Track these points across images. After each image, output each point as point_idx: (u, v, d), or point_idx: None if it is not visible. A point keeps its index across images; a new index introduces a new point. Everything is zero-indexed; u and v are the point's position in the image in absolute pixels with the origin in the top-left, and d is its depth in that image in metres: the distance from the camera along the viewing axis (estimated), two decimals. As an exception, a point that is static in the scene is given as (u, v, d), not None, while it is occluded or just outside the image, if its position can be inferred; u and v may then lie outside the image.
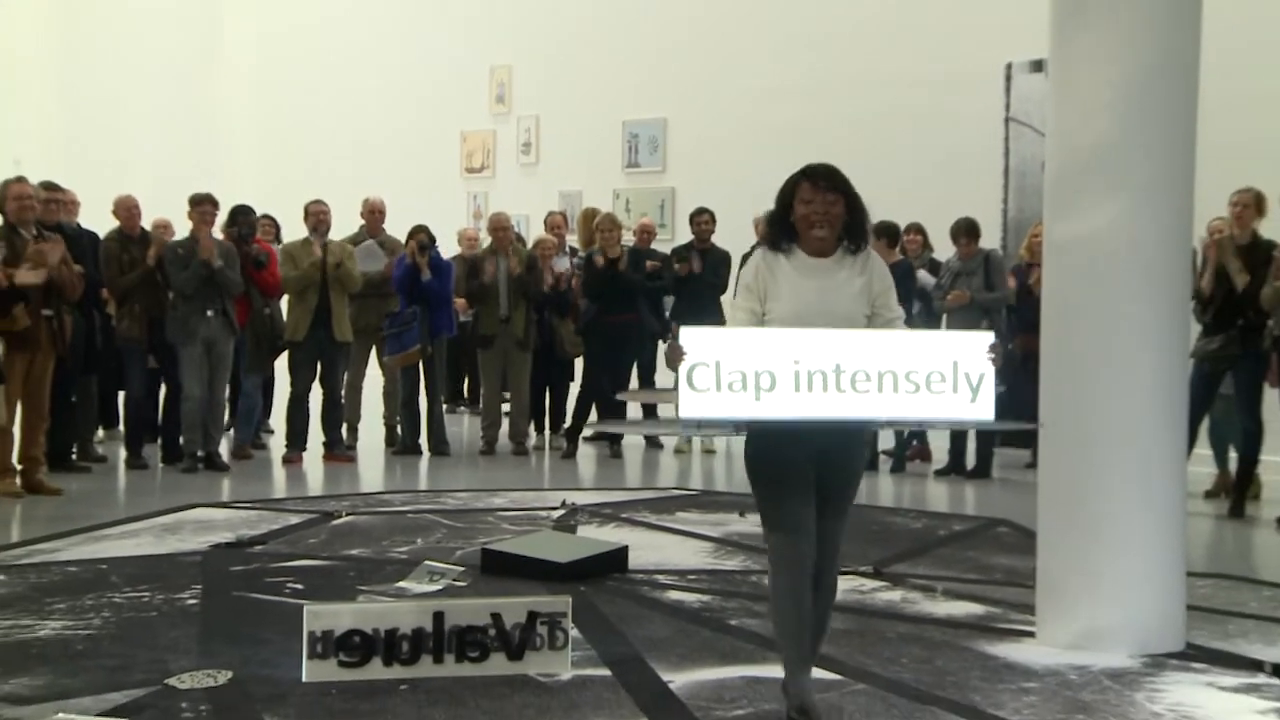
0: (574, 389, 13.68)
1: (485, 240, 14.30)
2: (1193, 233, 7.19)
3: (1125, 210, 6.52)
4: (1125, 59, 6.52)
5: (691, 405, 4.89)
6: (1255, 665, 6.44)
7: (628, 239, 13.75)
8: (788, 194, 5.37)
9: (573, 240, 14.93)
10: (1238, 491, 10.50)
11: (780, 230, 5.36)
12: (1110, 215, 6.54)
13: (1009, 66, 13.67)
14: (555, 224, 14.44)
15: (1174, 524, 6.78)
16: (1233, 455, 10.77)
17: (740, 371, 4.87)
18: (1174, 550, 6.75)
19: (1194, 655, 6.58)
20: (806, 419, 4.97)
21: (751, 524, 9.70)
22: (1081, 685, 6.06)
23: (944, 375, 4.94)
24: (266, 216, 13.53)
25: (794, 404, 4.89)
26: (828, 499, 5.24)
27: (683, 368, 4.86)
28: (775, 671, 6.23)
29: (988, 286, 11.72)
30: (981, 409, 4.99)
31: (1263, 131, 11.23)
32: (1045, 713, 5.61)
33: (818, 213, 5.23)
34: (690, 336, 4.92)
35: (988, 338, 5.12)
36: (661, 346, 13.57)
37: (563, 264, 13.53)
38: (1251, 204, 10.29)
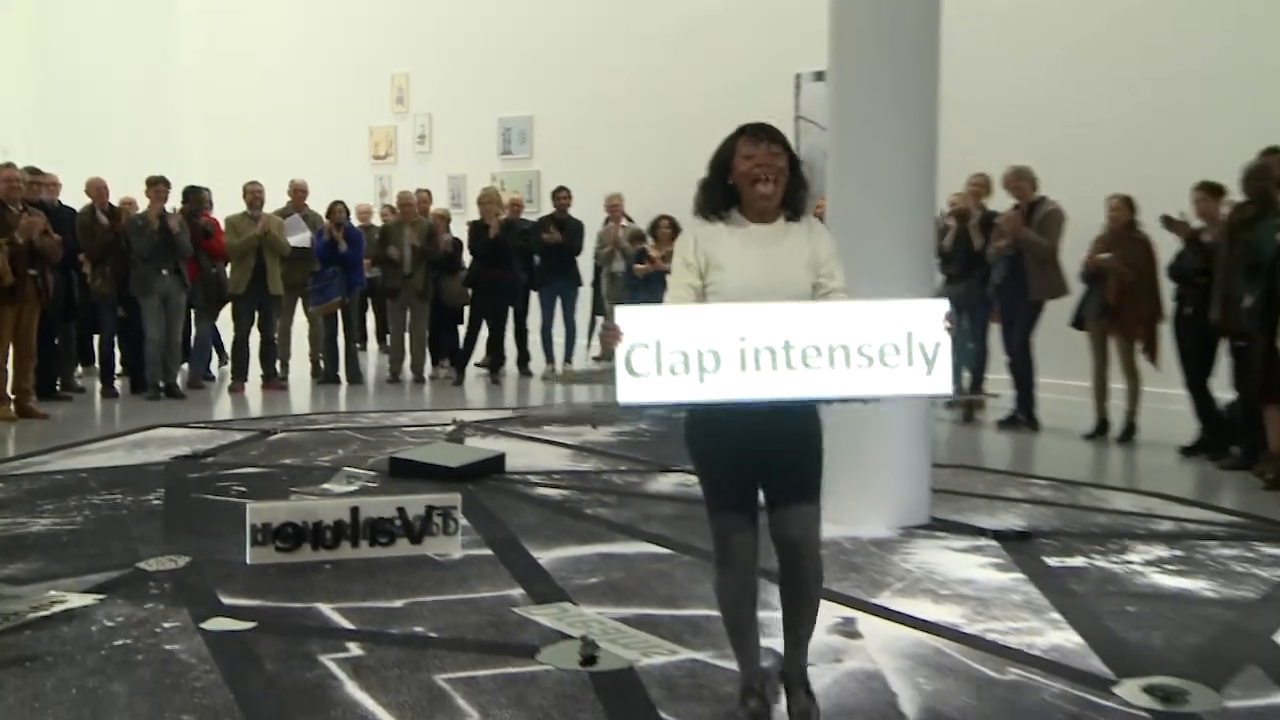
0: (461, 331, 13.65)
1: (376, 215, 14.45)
2: (935, 205, 7.34)
3: (885, 188, 6.67)
4: (885, 71, 6.64)
5: (631, 390, 3.69)
6: (980, 532, 6.65)
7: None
8: (725, 153, 4.00)
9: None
10: (969, 400, 10.74)
11: (718, 194, 4.03)
12: (874, 192, 6.68)
13: (798, 76, 13.78)
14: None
15: (921, 426, 6.98)
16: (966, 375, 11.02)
17: (682, 352, 3.68)
18: (922, 446, 6.95)
19: (936, 526, 6.78)
20: (754, 400, 3.73)
21: (602, 433, 9.81)
22: (853, 551, 6.21)
23: (898, 347, 3.78)
24: (207, 189, 13.34)
25: (741, 384, 3.70)
26: (781, 480, 3.91)
27: (620, 350, 3.67)
28: (623, 548, 6.32)
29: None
30: (938, 381, 3.82)
31: (990, 126, 11.43)
32: (828, 573, 5.68)
33: (762, 164, 3.88)
34: (627, 316, 3.71)
35: (943, 305, 3.86)
36: (533, 296, 13.60)
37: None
38: (983, 184, 10.50)
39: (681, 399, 3.74)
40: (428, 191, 14.52)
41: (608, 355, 3.82)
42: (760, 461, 3.88)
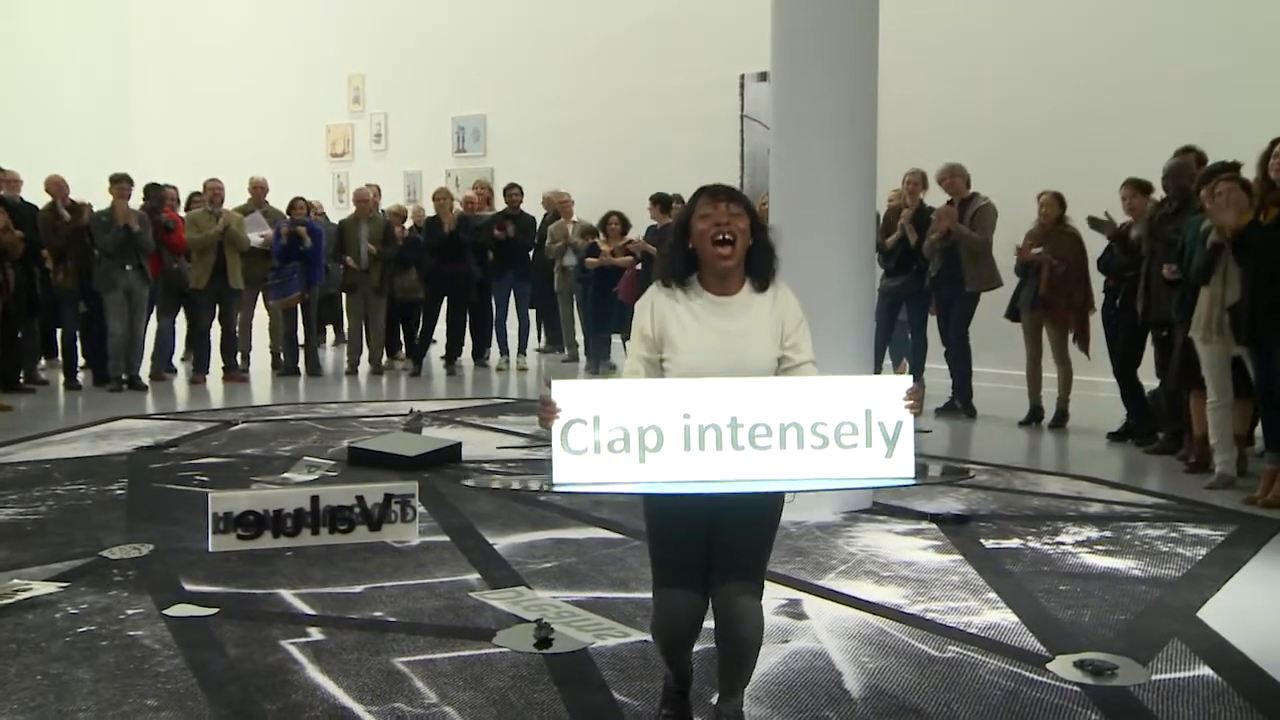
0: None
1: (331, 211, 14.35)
2: (875, 202, 7.38)
3: (827, 185, 6.70)
4: (826, 72, 6.66)
5: (567, 470, 3.39)
6: (920, 516, 6.70)
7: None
8: (685, 214, 3.63)
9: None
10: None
11: (679, 259, 3.62)
12: (816, 189, 6.70)
13: (742, 77, 13.79)
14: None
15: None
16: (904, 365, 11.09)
17: (622, 428, 3.37)
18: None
19: (879, 511, 6.83)
20: (697, 491, 3.41)
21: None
22: (799, 535, 6.23)
23: (855, 426, 3.40)
24: (171, 187, 13.19)
25: (684, 465, 3.36)
26: (727, 558, 3.52)
27: (556, 426, 3.37)
28: (576, 534, 6.31)
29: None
30: (899, 464, 3.44)
31: (926, 125, 11.50)
32: (775, 556, 5.67)
33: (720, 224, 3.51)
34: (564, 390, 3.40)
35: (905, 381, 3.48)
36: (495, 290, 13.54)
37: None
38: (919, 180, 10.54)
39: (621, 483, 3.44)
40: (377, 187, 14.41)
41: (544, 428, 3.42)
42: (711, 530, 3.52)
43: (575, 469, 3.39)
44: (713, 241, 3.52)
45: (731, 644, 3.55)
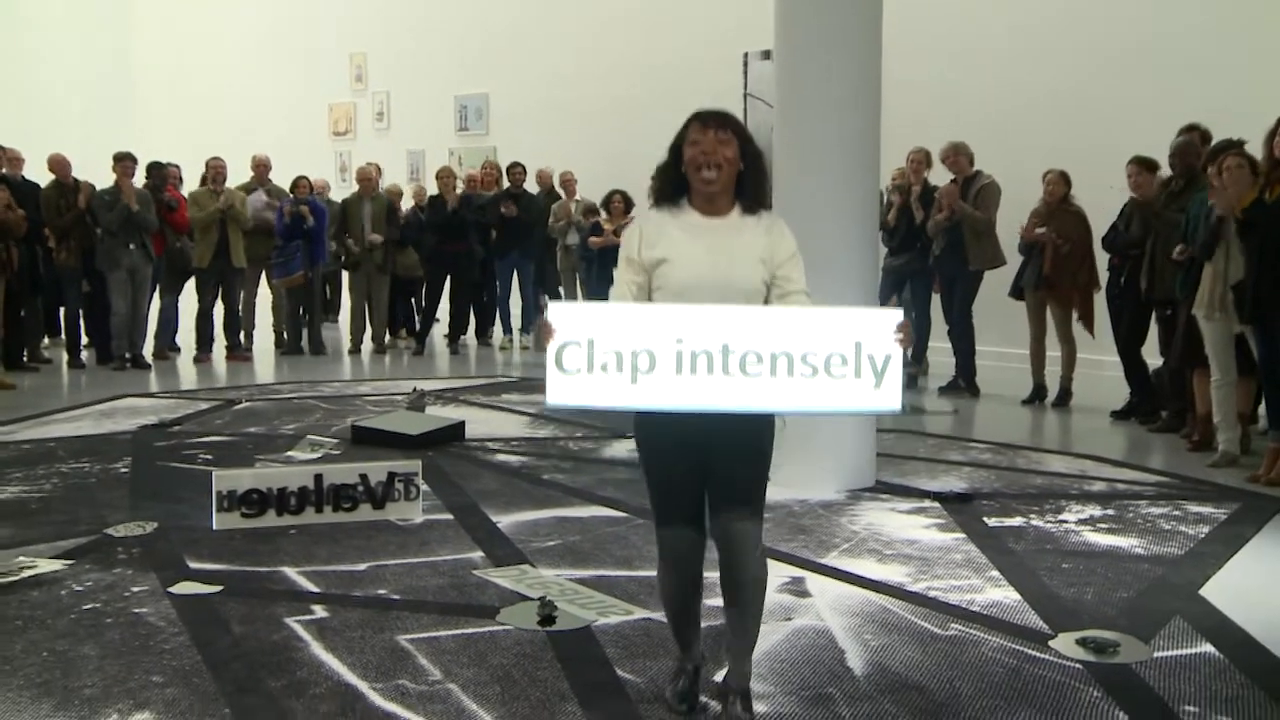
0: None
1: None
2: (879, 180, 7.37)
3: (831, 164, 6.69)
4: (830, 50, 6.65)
5: (560, 390, 3.46)
6: (923, 494, 6.71)
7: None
8: (678, 139, 3.66)
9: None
10: (913, 368, 10.81)
11: (668, 181, 3.70)
12: (820, 168, 6.69)
13: (746, 55, 13.76)
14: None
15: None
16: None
17: (615, 351, 3.43)
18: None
19: (881, 489, 6.83)
20: (687, 408, 3.46)
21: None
22: (802, 514, 6.24)
23: (845, 358, 3.43)
24: (174, 165, 13.16)
25: (675, 389, 3.42)
26: (724, 486, 3.59)
27: (551, 347, 3.43)
28: (579, 512, 6.32)
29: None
30: (886, 396, 3.47)
31: (930, 103, 11.47)
32: (778, 534, 5.75)
33: (706, 152, 3.55)
34: (560, 312, 3.46)
35: (895, 315, 3.50)
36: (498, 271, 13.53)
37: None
38: (923, 159, 10.52)
39: (612, 401, 3.48)
40: (377, 165, 14.37)
41: (540, 349, 3.48)
42: (705, 461, 3.59)
43: (568, 389, 3.46)
44: (697, 167, 3.57)
45: (736, 577, 3.60)
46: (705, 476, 3.62)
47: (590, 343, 3.43)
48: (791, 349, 3.42)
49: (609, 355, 3.43)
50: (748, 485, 3.60)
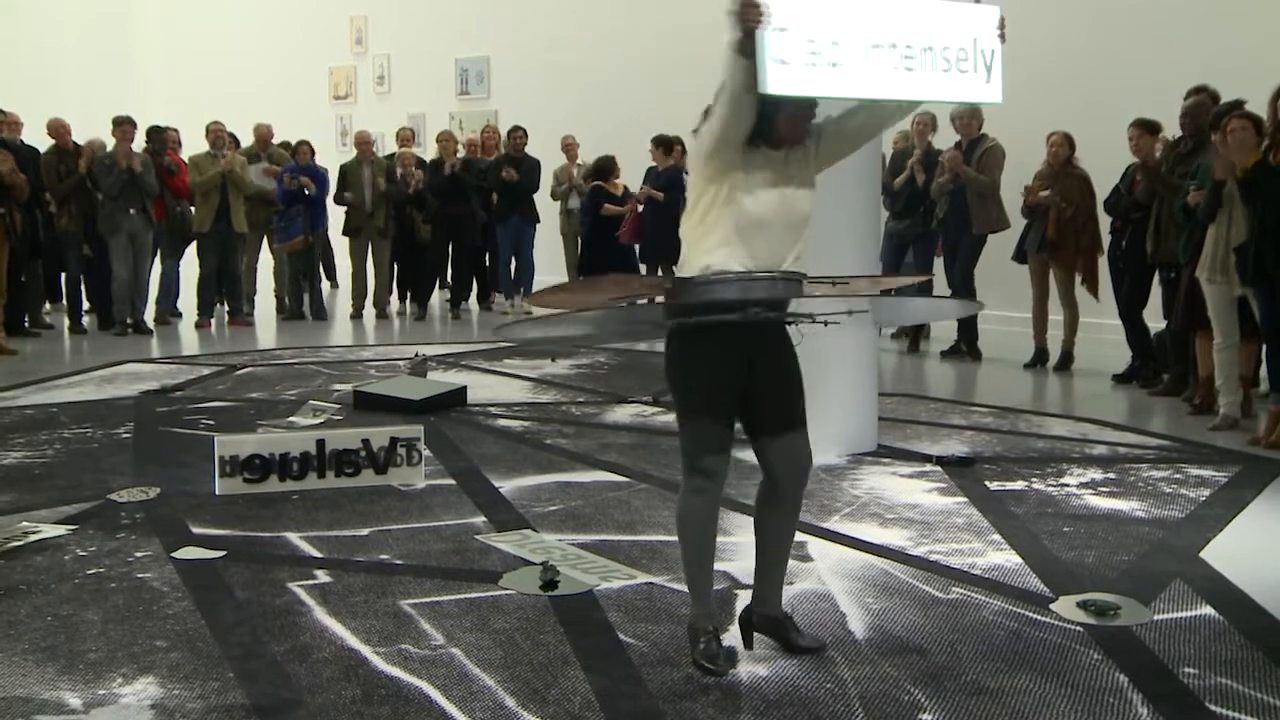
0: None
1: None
2: (881, 142, 7.33)
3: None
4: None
5: (779, 79, 3.31)
6: (925, 458, 6.71)
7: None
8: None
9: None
10: (914, 333, 10.81)
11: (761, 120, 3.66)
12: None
13: (751, 17, 13.69)
14: (404, 137, 14.18)
15: (869, 357, 7.02)
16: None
17: (810, 39, 3.38)
18: (869, 376, 7.00)
19: (883, 453, 6.85)
20: (874, 97, 3.58)
21: (561, 365, 9.81)
22: (803, 480, 6.26)
23: (966, 52, 3.62)
24: (173, 129, 13.11)
25: (862, 81, 3.46)
26: (777, 410, 3.78)
27: (762, 32, 3.27)
28: (581, 477, 6.33)
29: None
30: (994, 90, 3.75)
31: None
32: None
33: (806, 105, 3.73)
34: None
35: (995, 12, 3.70)
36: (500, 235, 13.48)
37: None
38: (929, 123, 10.48)
39: (825, 90, 3.48)
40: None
41: (747, 34, 3.30)
42: (755, 393, 3.76)
43: (786, 78, 3.35)
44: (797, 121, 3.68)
45: (793, 499, 3.89)
46: (744, 399, 3.78)
47: (790, 30, 3.35)
48: (933, 43, 3.58)
49: (806, 45, 3.38)
50: (798, 405, 3.83)
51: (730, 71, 3.46)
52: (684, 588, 4.34)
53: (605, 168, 12.92)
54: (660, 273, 12.71)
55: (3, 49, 18.97)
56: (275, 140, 13.58)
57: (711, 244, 3.63)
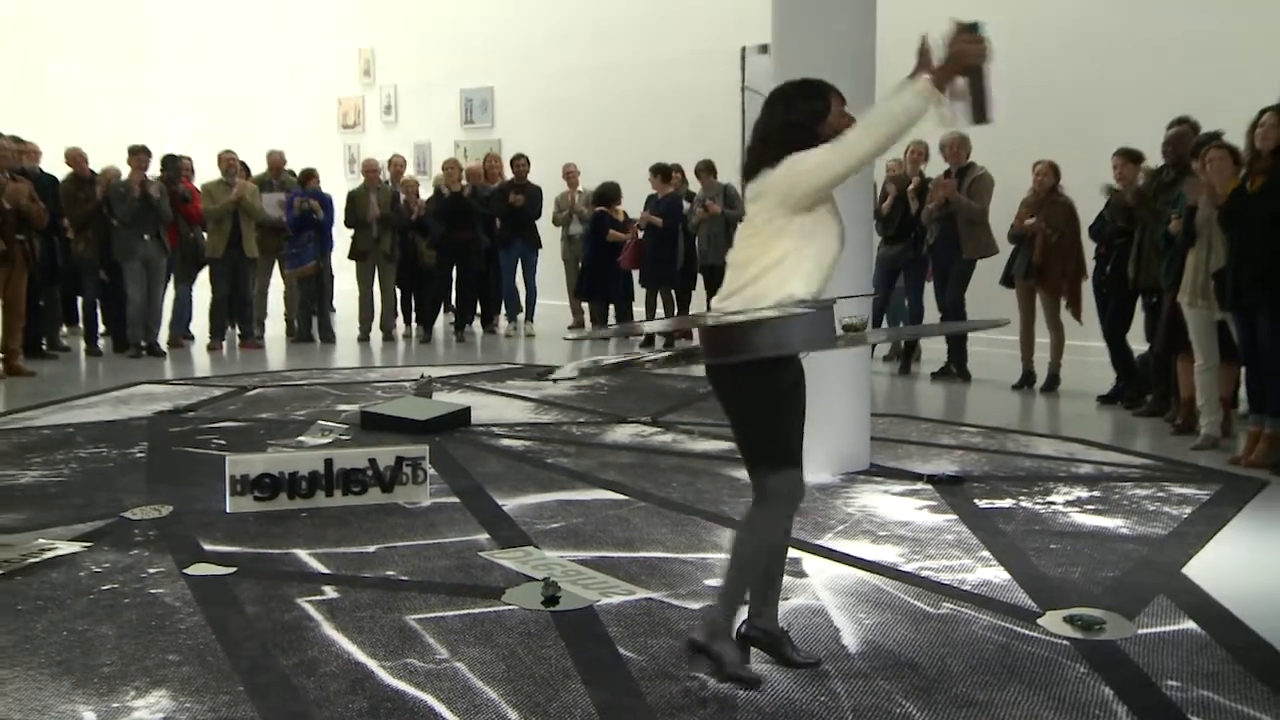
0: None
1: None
2: (873, 170, 7.36)
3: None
4: (824, 45, 6.63)
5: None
6: (916, 477, 6.70)
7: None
8: (820, 112, 3.68)
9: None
10: (905, 355, 10.81)
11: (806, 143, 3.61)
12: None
13: (743, 49, 13.68)
14: (398, 165, 14.07)
15: (863, 378, 7.02)
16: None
17: None
18: (862, 397, 7.00)
19: (876, 472, 6.84)
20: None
21: (562, 386, 9.79)
22: (798, 498, 6.26)
23: None
24: (186, 158, 13.14)
25: None
26: (803, 438, 3.87)
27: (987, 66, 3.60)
28: (582, 495, 6.33)
29: (728, 205, 11.84)
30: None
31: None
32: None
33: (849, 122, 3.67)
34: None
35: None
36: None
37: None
38: (922, 152, 10.50)
39: None
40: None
41: (973, 70, 3.55)
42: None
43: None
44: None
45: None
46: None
47: None
48: None
49: None
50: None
51: (913, 107, 3.55)
52: (682, 603, 4.35)
53: (609, 194, 12.96)
54: (659, 297, 12.76)
55: (22, 80, 19.05)
56: (286, 167, 13.61)
57: (791, 272, 3.61)
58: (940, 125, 3.96)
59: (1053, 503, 6.20)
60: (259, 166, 13.58)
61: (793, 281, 3.61)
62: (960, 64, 3.58)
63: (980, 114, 3.54)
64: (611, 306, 13.19)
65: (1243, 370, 7.40)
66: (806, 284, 3.62)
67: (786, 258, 3.61)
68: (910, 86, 3.56)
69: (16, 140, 11.46)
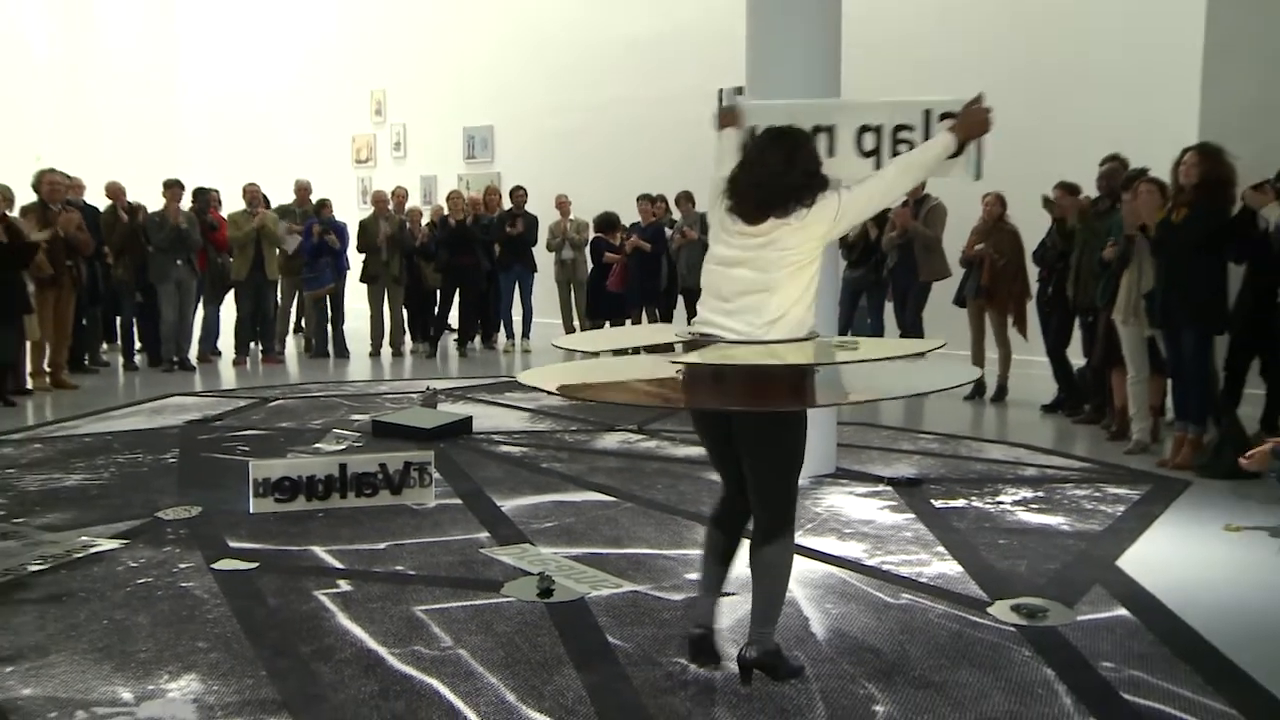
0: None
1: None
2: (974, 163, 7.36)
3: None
4: (794, 89, 6.66)
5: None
6: (878, 479, 6.71)
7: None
8: (818, 155, 3.70)
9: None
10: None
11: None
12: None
13: (720, 90, 13.69)
14: (400, 196, 14.03)
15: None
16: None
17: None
18: (831, 408, 7.00)
19: (841, 475, 6.85)
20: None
21: (560, 400, 9.78)
22: (770, 498, 6.26)
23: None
24: (215, 190, 13.12)
25: None
26: None
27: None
28: (574, 497, 6.33)
29: (703, 232, 11.87)
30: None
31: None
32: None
33: None
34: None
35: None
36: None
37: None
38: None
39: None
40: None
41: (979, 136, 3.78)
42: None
43: None
44: None
45: None
46: None
47: None
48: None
49: None
50: None
51: (942, 157, 3.75)
52: (666, 595, 4.36)
53: (610, 221, 12.94)
54: (645, 316, 12.73)
55: (68, 121, 19.00)
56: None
57: (810, 305, 3.60)
58: (944, 175, 4.07)
59: (1001, 502, 6.23)
60: (281, 198, 13.60)
61: (811, 312, 3.61)
62: (982, 129, 3.83)
63: (978, 171, 3.85)
64: (607, 324, 13.16)
65: (1169, 382, 7.45)
66: (813, 316, 3.64)
67: (804, 290, 3.57)
68: (943, 140, 3.75)
69: (66, 176, 11.45)
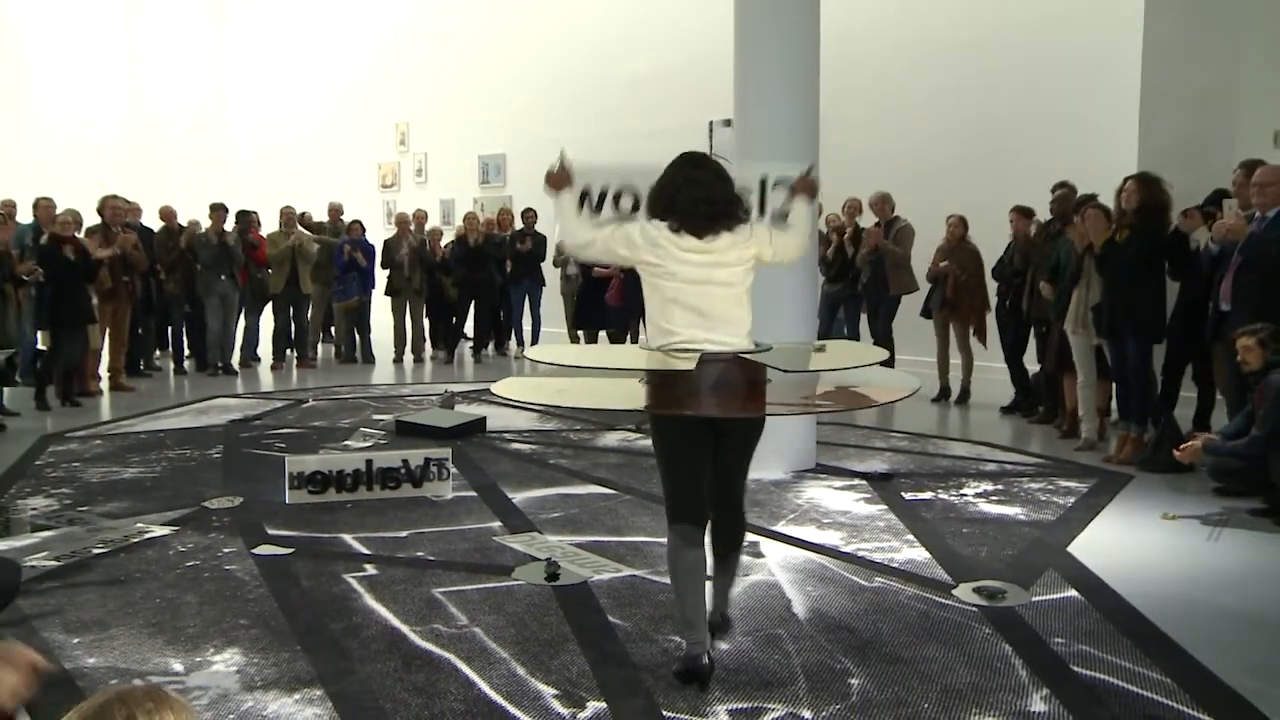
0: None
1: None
2: (818, 223, 7.37)
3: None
4: (778, 121, 6.67)
5: None
6: (853, 474, 6.71)
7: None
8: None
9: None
10: (845, 375, 10.77)
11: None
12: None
13: (711, 123, 13.77)
14: (420, 217, 14.03)
15: (809, 393, 7.01)
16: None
17: None
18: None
19: (821, 470, 6.84)
20: None
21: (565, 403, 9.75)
22: (756, 491, 6.19)
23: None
24: (254, 213, 13.09)
25: None
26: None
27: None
28: (578, 490, 6.32)
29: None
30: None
31: (860, 162, 11.49)
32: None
33: None
34: None
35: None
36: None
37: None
38: (856, 206, 10.53)
39: None
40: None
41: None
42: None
43: None
44: None
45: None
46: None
47: None
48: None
49: None
50: None
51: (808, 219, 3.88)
52: (662, 579, 4.35)
53: None
54: (643, 328, 12.73)
55: (129, 151, 19.04)
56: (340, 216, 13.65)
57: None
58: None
59: (964, 494, 6.23)
60: (314, 218, 13.61)
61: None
62: (815, 194, 3.95)
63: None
64: (603, 334, 13.14)
65: (1114, 386, 7.45)
66: None
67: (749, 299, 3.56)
68: (802, 203, 3.88)
69: (125, 200, 11.48)
